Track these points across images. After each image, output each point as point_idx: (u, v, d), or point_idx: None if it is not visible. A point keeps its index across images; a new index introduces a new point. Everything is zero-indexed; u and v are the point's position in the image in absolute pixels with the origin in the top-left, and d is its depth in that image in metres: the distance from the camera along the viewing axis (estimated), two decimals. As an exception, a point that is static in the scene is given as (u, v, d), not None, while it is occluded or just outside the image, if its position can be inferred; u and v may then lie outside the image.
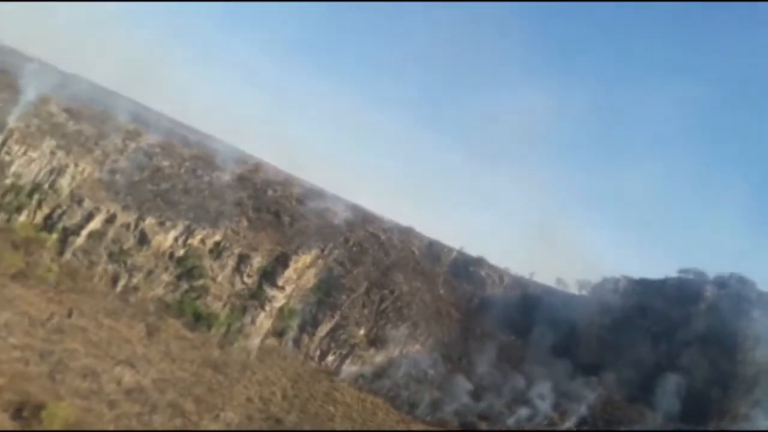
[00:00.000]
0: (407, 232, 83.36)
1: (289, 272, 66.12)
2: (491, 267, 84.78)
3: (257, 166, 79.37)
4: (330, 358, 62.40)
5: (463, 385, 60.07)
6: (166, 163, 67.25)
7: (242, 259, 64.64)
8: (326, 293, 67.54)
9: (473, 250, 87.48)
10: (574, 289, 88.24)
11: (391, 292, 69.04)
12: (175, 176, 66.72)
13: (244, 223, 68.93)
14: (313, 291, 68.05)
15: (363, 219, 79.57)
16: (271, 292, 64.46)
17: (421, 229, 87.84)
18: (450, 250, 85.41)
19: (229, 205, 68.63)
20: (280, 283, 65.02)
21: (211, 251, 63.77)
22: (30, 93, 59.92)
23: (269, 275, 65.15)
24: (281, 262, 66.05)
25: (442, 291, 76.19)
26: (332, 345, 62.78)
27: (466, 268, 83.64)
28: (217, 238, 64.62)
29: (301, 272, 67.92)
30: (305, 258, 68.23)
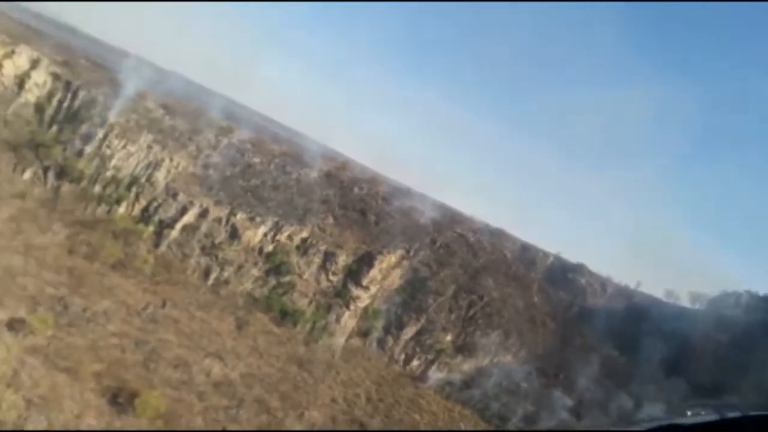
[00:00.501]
0: (498, 234, 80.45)
1: (374, 272, 65.53)
2: (592, 275, 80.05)
3: (344, 164, 79.68)
4: (415, 362, 61.10)
5: (561, 400, 56.67)
6: (256, 160, 68.85)
7: (328, 257, 64.83)
8: (411, 295, 66.38)
9: (571, 256, 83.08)
10: (686, 302, 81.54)
11: (481, 297, 66.66)
12: (265, 172, 68.14)
13: (330, 220, 69.18)
14: (398, 292, 67.12)
15: (451, 219, 77.67)
16: (355, 291, 64.16)
17: (513, 232, 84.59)
18: (545, 254, 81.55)
19: (316, 202, 69.13)
20: (364, 282, 64.59)
21: (298, 248, 64.47)
22: (129, 89, 63.34)
23: (354, 274, 64.91)
24: (366, 261, 65.63)
25: (536, 298, 72.73)
26: (417, 349, 61.42)
27: (563, 274, 79.50)
28: (304, 234, 65.23)
29: (386, 272, 67.16)
30: (390, 258, 67.40)
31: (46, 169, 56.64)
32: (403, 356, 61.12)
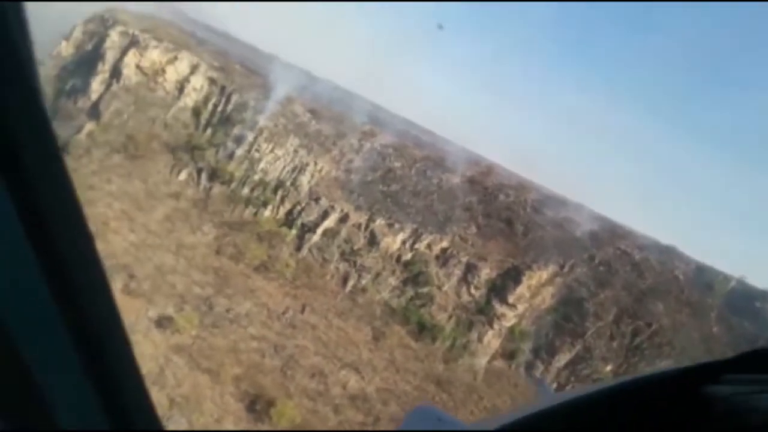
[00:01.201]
0: (669, 253, 71.13)
1: (522, 289, 60.76)
2: (786, 304, 67.86)
3: (489, 169, 75.66)
4: (567, 393, 55.20)
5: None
6: (397, 164, 67.47)
7: (469, 269, 61.37)
8: (565, 317, 60.56)
9: (757, 281, 71.20)
10: None
11: (648, 324, 58.84)
12: (405, 177, 66.49)
13: (473, 229, 65.61)
14: (549, 313, 61.71)
15: (611, 233, 70.14)
16: (500, 308, 59.93)
17: (686, 250, 74.49)
18: (726, 278, 70.69)
19: (458, 209, 65.99)
20: (510, 299, 60.11)
21: (437, 257, 61.84)
22: (278, 94, 65.11)
23: (499, 290, 60.71)
24: (513, 276, 61.08)
25: (715, 329, 62.91)
26: (572, 379, 55.50)
27: (748, 302, 68.31)
28: (444, 244, 62.42)
29: (536, 290, 62.03)
30: (541, 274, 62.14)
31: (199, 171, 59.71)
32: (555, 385, 55.53)
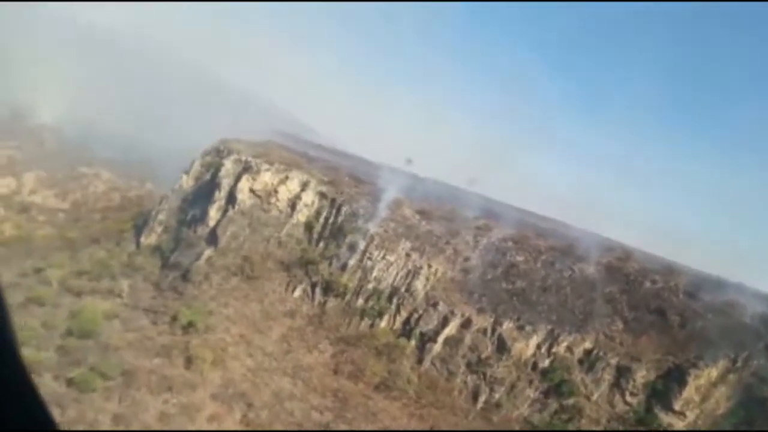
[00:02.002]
0: None
1: (689, 391, 51.59)
2: None
3: (626, 253, 68.16)
4: None
5: None
6: (520, 258, 62.77)
7: (621, 372, 53.50)
8: (748, 421, 50.33)
9: None
10: None
11: None
12: (531, 272, 61.36)
13: (619, 325, 57.97)
14: (727, 418, 51.56)
15: (792, 316, 58.84)
16: (666, 417, 51.09)
17: None
18: None
19: (599, 303, 59.02)
20: (677, 406, 51.12)
21: (581, 361, 54.78)
22: (386, 199, 64.54)
23: (660, 395, 51.99)
24: (676, 377, 52.29)
25: None
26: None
27: None
28: (588, 345, 55.40)
29: (706, 391, 52.40)
30: (710, 372, 52.64)
31: (313, 286, 59.09)
32: None
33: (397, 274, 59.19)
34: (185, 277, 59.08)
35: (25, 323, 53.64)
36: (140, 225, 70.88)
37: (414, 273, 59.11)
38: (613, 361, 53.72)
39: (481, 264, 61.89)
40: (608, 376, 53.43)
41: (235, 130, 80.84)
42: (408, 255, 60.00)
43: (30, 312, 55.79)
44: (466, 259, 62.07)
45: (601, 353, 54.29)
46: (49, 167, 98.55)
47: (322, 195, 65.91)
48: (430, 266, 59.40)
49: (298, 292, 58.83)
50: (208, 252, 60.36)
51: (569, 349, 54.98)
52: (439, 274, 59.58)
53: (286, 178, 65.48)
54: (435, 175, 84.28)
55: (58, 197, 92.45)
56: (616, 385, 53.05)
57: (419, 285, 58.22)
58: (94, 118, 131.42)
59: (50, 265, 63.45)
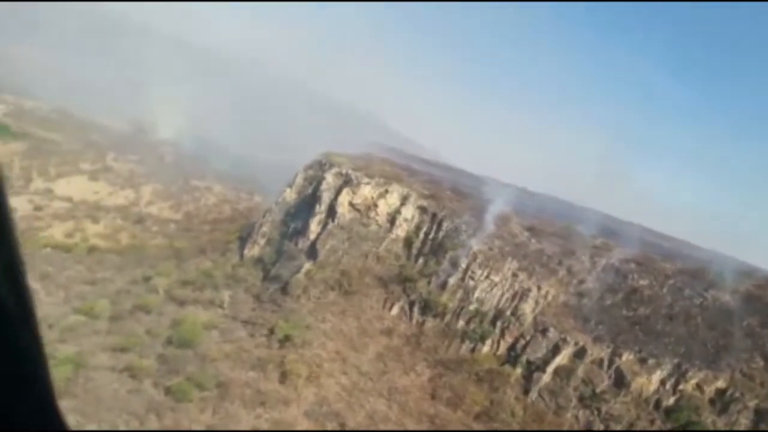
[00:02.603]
0: None
1: None
2: None
3: (770, 281, 60.07)
4: None
5: None
6: (643, 282, 57.04)
7: (761, 417, 46.68)
8: None
9: None
10: None
11: None
12: (656, 298, 55.48)
13: (760, 362, 50.84)
14: None
15: None
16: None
17: None
18: None
19: (735, 336, 52.12)
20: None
21: (712, 402, 48.44)
22: (492, 214, 61.40)
23: (812, 447, 44.60)
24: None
25: None
26: None
27: None
28: (721, 383, 48.90)
29: None
30: None
31: (411, 304, 57.06)
32: None
33: (502, 295, 55.76)
34: (284, 290, 59.30)
35: (131, 330, 56.24)
36: (245, 237, 72.67)
37: (521, 295, 55.39)
38: (752, 404, 47.08)
39: (599, 288, 56.94)
40: (745, 420, 46.88)
41: (340, 144, 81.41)
42: (515, 275, 56.41)
43: (136, 318, 58.47)
44: (582, 282, 57.38)
45: (737, 394, 47.71)
46: (166, 180, 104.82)
47: (422, 209, 64.04)
48: (539, 288, 55.41)
49: (395, 310, 57.06)
50: (308, 265, 60.30)
51: (699, 387, 48.81)
52: (549, 298, 55.42)
53: (386, 191, 64.33)
54: (545, 189, 79.85)
55: (172, 209, 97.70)
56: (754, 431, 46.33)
57: (527, 308, 54.39)
58: (209, 134, 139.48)
59: (158, 274, 66.42)
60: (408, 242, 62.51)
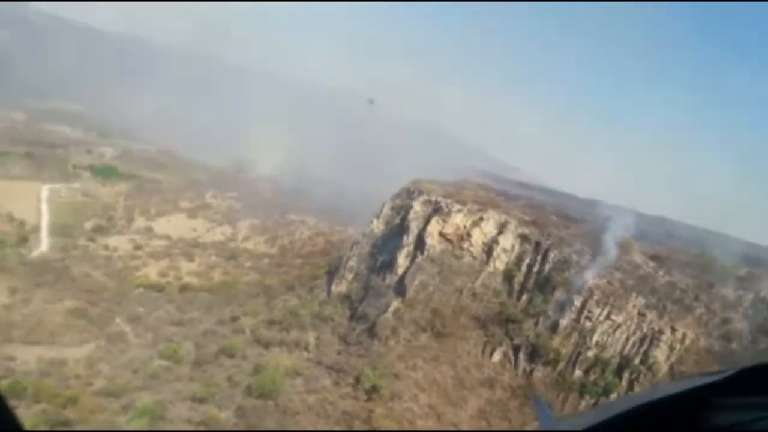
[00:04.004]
0: None
1: None
2: None
3: None
4: None
5: None
6: (809, 322, 43.79)
7: None
8: None
9: None
10: None
11: None
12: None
13: None
14: None
15: None
16: None
17: None
18: None
19: None
20: None
21: None
22: (608, 242, 50.55)
23: None
24: None
25: None
26: None
27: None
28: None
29: None
30: None
31: (516, 349, 47.31)
32: None
33: (627, 339, 44.68)
34: (372, 331, 51.66)
35: (211, 377, 50.86)
36: (333, 271, 66.31)
37: (652, 339, 44.02)
38: None
39: (749, 328, 44.36)
40: None
41: (430, 170, 73.83)
42: (642, 314, 45.16)
43: (219, 363, 53.21)
44: (726, 322, 45.00)
45: None
46: (263, 215, 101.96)
47: (523, 238, 54.33)
48: (674, 330, 43.79)
49: (497, 356, 47.49)
50: (396, 303, 52.34)
51: None
52: (687, 341, 43.61)
53: (481, 219, 55.33)
54: (668, 212, 67.23)
55: (268, 243, 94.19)
56: None
57: (660, 355, 42.94)
58: (306, 167, 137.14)
59: (245, 313, 61.42)
60: (508, 276, 52.90)
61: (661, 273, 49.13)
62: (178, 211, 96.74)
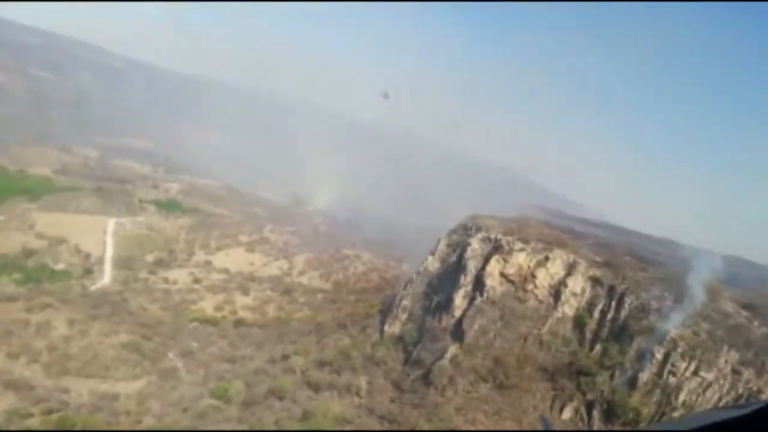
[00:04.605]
0: None
1: None
2: None
3: None
4: None
5: None
6: None
7: None
8: None
9: None
10: None
11: None
12: None
13: None
14: None
15: None
16: None
17: None
18: None
19: None
20: None
21: None
22: (693, 287, 44.52)
23: None
24: None
25: None
26: None
27: None
28: None
29: None
30: None
31: (589, 406, 41.72)
32: None
33: (720, 399, 38.43)
34: (427, 378, 47.29)
35: (259, 420, 47.76)
36: (386, 310, 62.55)
37: (749, 399, 37.61)
38: None
39: None
40: None
41: (489, 205, 69.75)
42: (736, 372, 38.89)
43: (269, 405, 50.18)
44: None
45: None
46: (318, 249, 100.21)
47: (595, 281, 48.98)
48: (777, 392, 37.37)
49: (567, 413, 42.01)
50: (453, 349, 47.86)
51: None
52: (795, 407, 36.94)
53: (546, 258, 50.45)
54: (753, 256, 60.06)
55: (322, 278, 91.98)
56: None
57: (762, 422, 36.45)
58: (362, 202, 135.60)
59: (297, 352, 58.41)
60: (579, 323, 47.54)
61: (756, 323, 42.64)
62: (237, 245, 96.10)
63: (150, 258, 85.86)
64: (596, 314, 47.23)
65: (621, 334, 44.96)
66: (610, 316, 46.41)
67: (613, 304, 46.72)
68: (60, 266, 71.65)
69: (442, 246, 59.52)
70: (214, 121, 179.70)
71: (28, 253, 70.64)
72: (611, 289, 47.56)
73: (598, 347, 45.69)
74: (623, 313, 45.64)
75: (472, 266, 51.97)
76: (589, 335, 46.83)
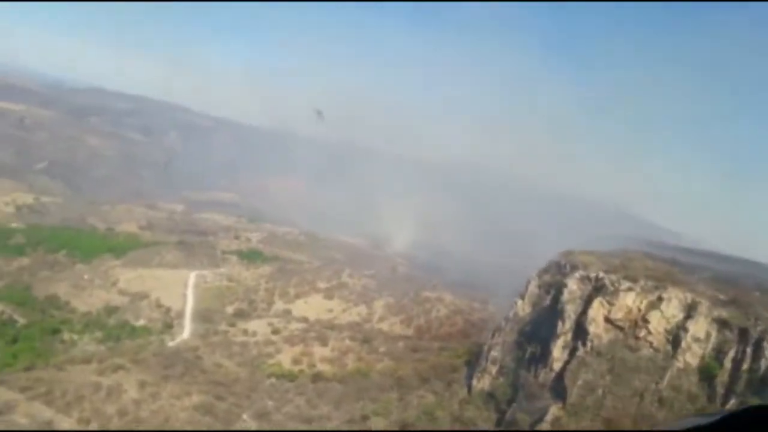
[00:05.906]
0: None
1: None
2: None
3: None
4: None
5: None
6: None
7: None
8: None
9: None
10: None
11: None
12: None
13: None
14: None
15: None
16: None
17: None
18: None
19: None
20: None
21: None
22: None
23: None
24: None
25: None
26: None
27: None
28: None
29: None
30: None
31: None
32: None
33: None
34: (528, 444, 40.52)
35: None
36: (473, 361, 56.28)
37: None
38: None
39: None
40: None
41: (580, 239, 62.56)
42: None
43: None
44: None
45: None
46: (398, 293, 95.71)
47: (722, 323, 40.67)
48: None
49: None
50: (555, 409, 40.84)
51: None
52: None
53: (660, 299, 42.71)
54: None
55: (403, 323, 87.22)
56: None
57: None
58: (439, 243, 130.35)
59: (376, 412, 53.20)
60: (707, 374, 39.27)
61: None
62: (316, 292, 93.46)
63: (230, 309, 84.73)
64: (727, 363, 38.85)
65: (763, 387, 36.41)
66: (745, 366, 37.94)
67: (749, 350, 38.25)
68: (141, 322, 71.39)
69: (532, 287, 52.82)
70: (295, 171, 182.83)
71: (111, 310, 70.97)
72: (744, 333, 39.13)
73: (732, 402, 37.25)
74: (763, 363, 37.11)
75: (570, 311, 45.00)
76: (720, 389, 38.45)
